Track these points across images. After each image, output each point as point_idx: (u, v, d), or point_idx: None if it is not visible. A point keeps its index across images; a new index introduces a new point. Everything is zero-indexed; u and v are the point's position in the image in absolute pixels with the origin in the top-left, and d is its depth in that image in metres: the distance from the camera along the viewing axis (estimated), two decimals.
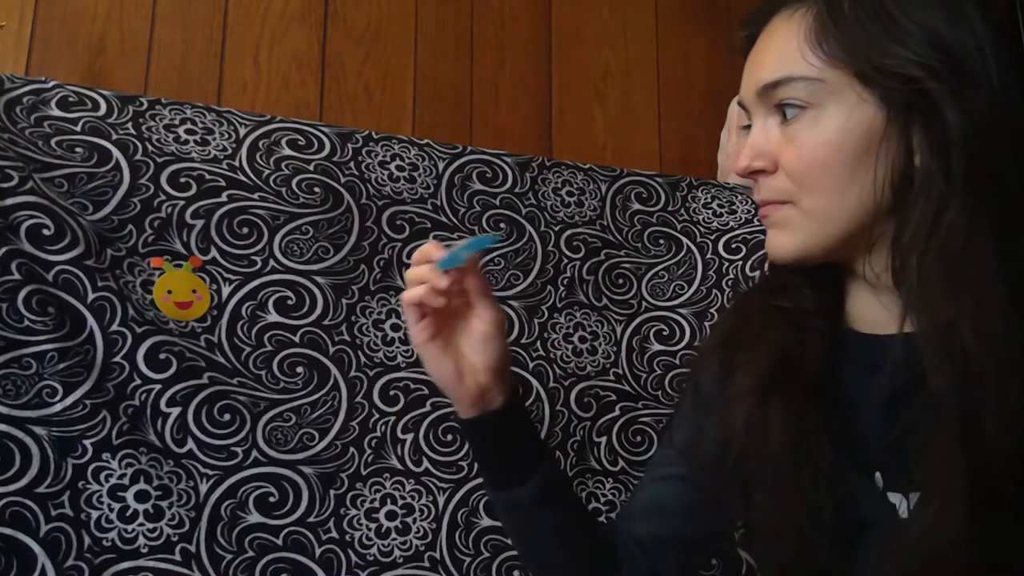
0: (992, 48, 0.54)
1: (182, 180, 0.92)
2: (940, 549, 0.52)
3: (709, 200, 1.18)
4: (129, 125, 0.93)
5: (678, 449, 0.71)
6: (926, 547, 0.53)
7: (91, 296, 0.82)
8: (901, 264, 0.55)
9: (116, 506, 0.80)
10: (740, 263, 1.11)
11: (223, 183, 0.94)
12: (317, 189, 0.98)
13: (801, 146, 0.57)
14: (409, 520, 0.92)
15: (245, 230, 0.94)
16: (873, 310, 0.61)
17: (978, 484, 0.51)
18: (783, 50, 0.58)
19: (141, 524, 0.81)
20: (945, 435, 0.52)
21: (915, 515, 0.56)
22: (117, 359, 0.83)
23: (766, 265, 1.08)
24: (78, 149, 0.88)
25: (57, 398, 0.79)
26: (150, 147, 0.92)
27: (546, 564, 0.71)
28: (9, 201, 0.79)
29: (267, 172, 0.97)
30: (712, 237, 1.14)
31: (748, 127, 0.63)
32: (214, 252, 0.92)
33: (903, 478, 0.58)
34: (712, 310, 1.10)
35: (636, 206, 1.15)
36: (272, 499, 0.88)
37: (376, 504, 0.92)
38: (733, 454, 0.62)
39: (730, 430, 0.62)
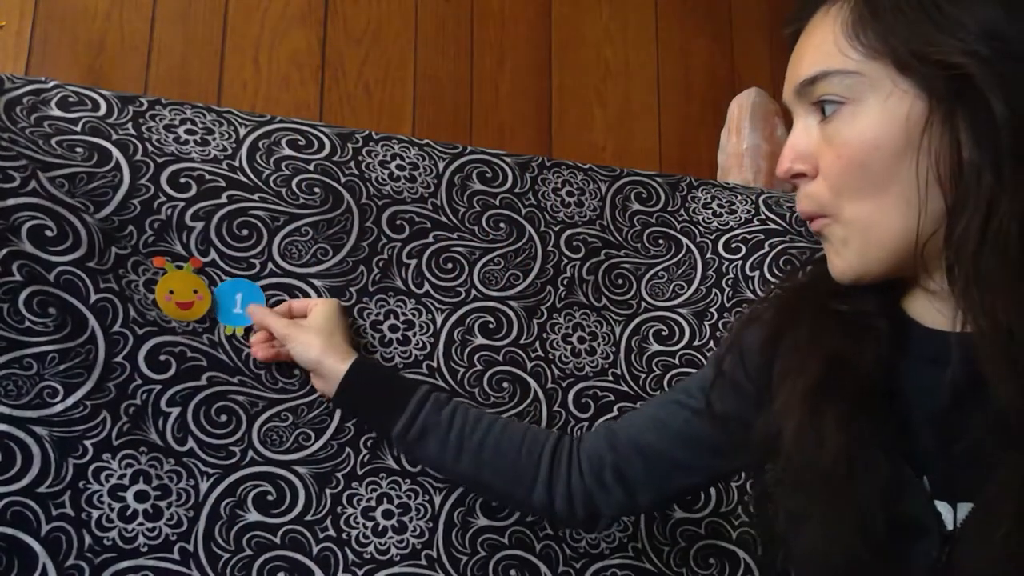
0: None
1: (182, 180, 0.92)
2: (997, 568, 0.49)
3: (709, 200, 1.18)
4: (129, 125, 0.93)
5: (717, 416, 0.70)
6: (982, 565, 0.50)
7: (93, 297, 0.83)
8: (954, 265, 0.52)
9: (116, 506, 0.81)
10: (740, 263, 1.11)
11: (223, 183, 0.94)
12: (317, 189, 0.98)
13: (839, 146, 0.55)
14: (406, 519, 0.92)
15: (244, 232, 0.94)
16: (930, 312, 0.58)
17: None
18: (820, 45, 0.56)
19: (141, 523, 0.82)
20: (1009, 447, 0.49)
21: (969, 530, 0.53)
22: (118, 359, 0.83)
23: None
24: (78, 149, 0.88)
25: (58, 399, 0.80)
26: (150, 147, 0.92)
27: (469, 481, 0.86)
28: (11, 202, 0.79)
29: (267, 172, 0.97)
30: (712, 237, 1.14)
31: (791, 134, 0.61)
32: (213, 254, 0.92)
33: (952, 486, 0.55)
34: (712, 310, 1.10)
35: (636, 206, 1.15)
36: (270, 498, 0.88)
37: (372, 503, 0.92)
38: (782, 460, 0.59)
39: (779, 437, 0.60)
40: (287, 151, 0.99)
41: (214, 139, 0.97)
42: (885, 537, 0.55)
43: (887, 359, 0.59)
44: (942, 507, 0.55)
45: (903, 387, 0.59)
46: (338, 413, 0.93)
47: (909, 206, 0.53)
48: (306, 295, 0.95)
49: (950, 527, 0.55)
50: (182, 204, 0.91)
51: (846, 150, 0.54)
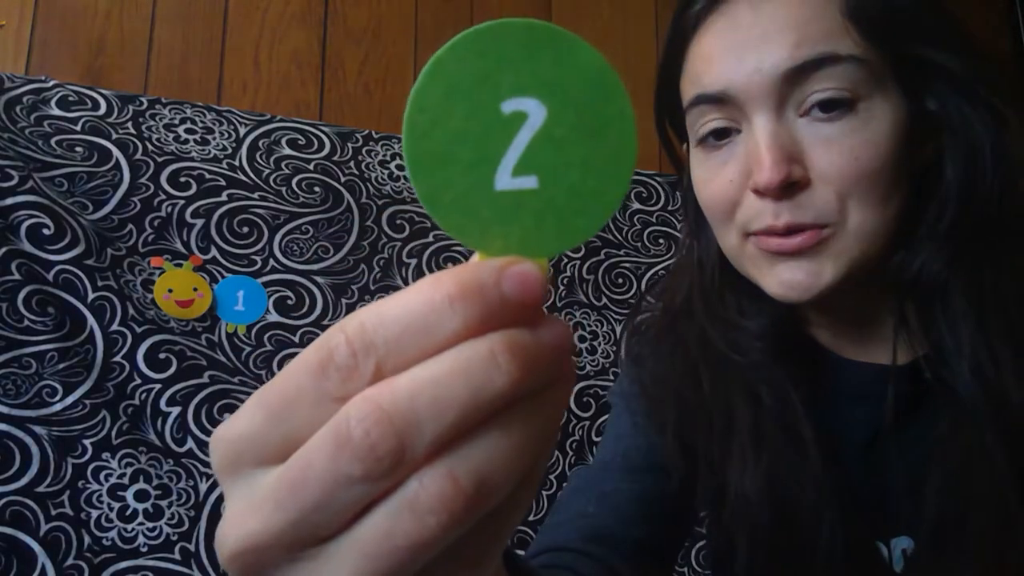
0: None
1: (182, 179, 0.92)
2: None
3: None
4: (129, 124, 0.93)
5: (682, 467, 0.55)
6: None
7: (91, 296, 0.82)
8: (939, 292, 0.46)
9: (116, 505, 0.80)
10: None
11: (223, 182, 0.94)
12: (317, 188, 0.98)
13: (854, 148, 0.43)
14: None
15: (245, 229, 0.94)
16: (842, 340, 0.52)
17: (988, 535, 0.44)
18: (818, 20, 0.44)
19: (141, 523, 0.81)
20: (955, 480, 0.45)
21: (915, 568, 0.49)
22: (117, 359, 0.83)
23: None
24: (78, 148, 0.88)
25: (57, 398, 0.79)
26: (150, 146, 0.92)
27: None
28: (9, 201, 0.79)
29: (267, 171, 0.97)
30: None
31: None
32: (214, 251, 0.92)
33: (885, 522, 0.50)
34: None
35: (636, 206, 1.15)
36: None
37: None
38: (746, 532, 0.51)
39: (741, 512, 0.51)
40: (287, 150, 0.99)
41: (214, 138, 0.97)
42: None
43: (817, 406, 0.51)
44: (880, 545, 0.51)
45: (830, 428, 0.51)
46: None
47: (898, 217, 0.45)
48: (309, 292, 0.95)
49: (894, 567, 0.50)
50: (182, 202, 0.91)
51: (865, 153, 0.44)
